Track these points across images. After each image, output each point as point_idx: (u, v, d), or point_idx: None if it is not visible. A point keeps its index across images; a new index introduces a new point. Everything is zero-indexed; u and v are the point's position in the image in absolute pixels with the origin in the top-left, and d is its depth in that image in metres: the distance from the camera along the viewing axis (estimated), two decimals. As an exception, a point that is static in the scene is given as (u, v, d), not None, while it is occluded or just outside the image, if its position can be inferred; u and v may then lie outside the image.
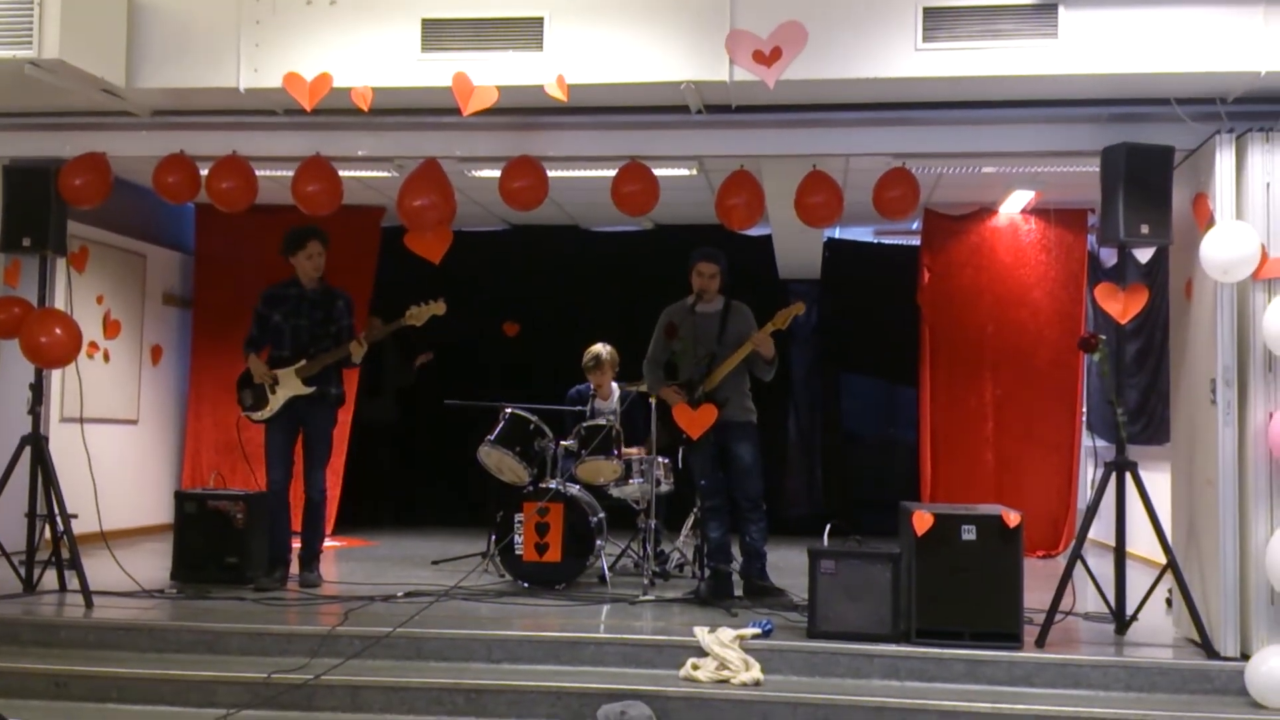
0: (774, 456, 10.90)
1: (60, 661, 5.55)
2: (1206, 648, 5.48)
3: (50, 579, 6.64)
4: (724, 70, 5.67)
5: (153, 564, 7.48)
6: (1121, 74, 5.56)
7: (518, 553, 6.98)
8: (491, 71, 5.72)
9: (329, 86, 5.76)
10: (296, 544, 7.14)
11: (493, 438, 7.31)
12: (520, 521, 6.97)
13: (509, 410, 7.44)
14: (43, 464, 6.52)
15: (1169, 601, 6.36)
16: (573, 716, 5.17)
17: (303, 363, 6.89)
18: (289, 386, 6.90)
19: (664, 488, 7.53)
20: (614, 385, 8.09)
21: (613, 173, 6.39)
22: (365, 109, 5.80)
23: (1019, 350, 9.55)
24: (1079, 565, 5.79)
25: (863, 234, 10.94)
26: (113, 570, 6.77)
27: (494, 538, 7.18)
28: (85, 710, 5.24)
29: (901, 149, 6.27)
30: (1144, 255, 8.07)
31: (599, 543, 7.10)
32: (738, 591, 6.66)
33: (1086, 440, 9.40)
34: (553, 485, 7.12)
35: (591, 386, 8.10)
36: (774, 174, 7.10)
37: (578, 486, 7.32)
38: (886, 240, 10.94)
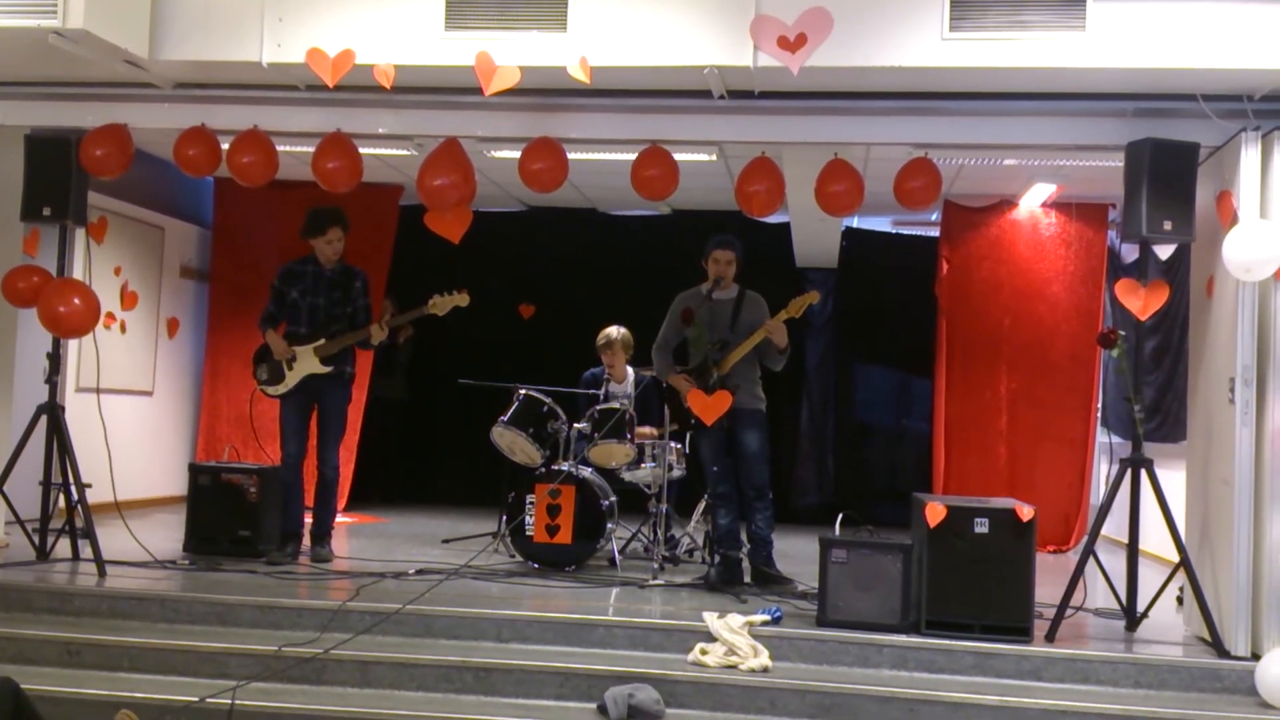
0: (786, 445, 10.92)
1: (72, 630, 5.60)
2: (1217, 646, 5.47)
3: (64, 547, 6.69)
4: (748, 55, 5.64)
5: (165, 535, 7.52)
6: (1148, 68, 5.52)
7: (528, 533, 7.00)
8: (514, 51, 5.70)
9: (351, 63, 5.76)
10: (308, 519, 7.16)
11: (506, 418, 7.32)
12: (532, 502, 6.99)
13: (523, 391, 7.45)
14: (58, 433, 6.56)
15: (1180, 599, 6.35)
16: (581, 698, 5.19)
17: (321, 341, 6.90)
18: (306, 364, 6.92)
19: (676, 473, 7.53)
20: (628, 369, 8.09)
21: (633, 156, 6.38)
22: (387, 86, 5.79)
23: (1036, 344, 9.51)
24: (1090, 561, 5.78)
25: (881, 224, 10.90)
26: (126, 540, 6.80)
27: (505, 518, 7.20)
28: (96, 678, 5.27)
29: (925, 139, 6.23)
30: (1164, 252, 8.02)
31: (610, 526, 7.10)
32: (747, 578, 6.67)
33: (1101, 436, 9.37)
34: (565, 467, 7.13)
35: (605, 370, 8.10)
36: (795, 161, 7.07)
37: (590, 469, 7.33)
38: (905, 230, 10.90)
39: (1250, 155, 5.55)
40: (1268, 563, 5.41)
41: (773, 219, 8.54)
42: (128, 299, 9.34)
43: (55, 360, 6.65)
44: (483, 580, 6.60)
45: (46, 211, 6.54)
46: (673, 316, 6.82)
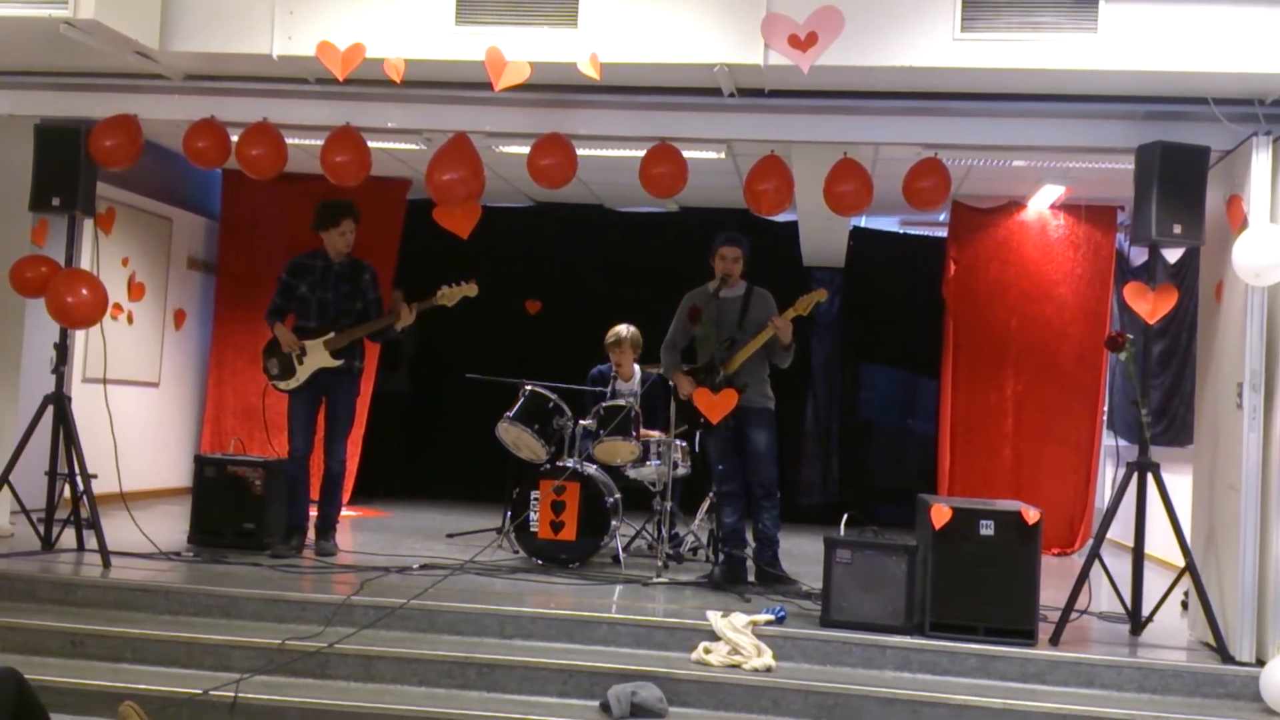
0: (791, 444, 10.90)
1: (76, 620, 5.60)
2: (1222, 652, 5.46)
3: (69, 538, 6.69)
4: (758, 54, 5.63)
5: (170, 526, 7.53)
6: (1159, 71, 5.50)
7: (533, 530, 6.99)
8: (525, 47, 5.71)
9: (362, 56, 5.75)
10: (313, 512, 7.16)
11: (511, 414, 7.31)
12: (536, 499, 6.97)
13: (528, 387, 7.44)
14: (65, 423, 6.57)
15: (1185, 604, 6.33)
16: (584, 695, 5.19)
17: (331, 335, 6.90)
18: (316, 358, 6.91)
19: (681, 471, 7.53)
20: (636, 367, 8.08)
21: (641, 153, 6.37)
22: (397, 80, 5.79)
23: (1043, 346, 9.49)
24: (1096, 564, 5.77)
25: (888, 224, 10.88)
26: (131, 531, 6.81)
27: (509, 514, 7.20)
28: (100, 669, 5.27)
29: (935, 139, 6.22)
30: (1173, 255, 8.01)
31: (614, 523, 7.10)
32: (751, 577, 6.66)
33: (1107, 439, 9.35)
34: (570, 464, 7.13)
35: (613, 367, 8.10)
36: (804, 160, 7.07)
37: (595, 466, 7.33)
38: (913, 231, 10.88)
39: (1261, 160, 5.54)
40: (1273, 568, 5.40)
41: (780, 218, 8.54)
42: (135, 290, 9.35)
43: (62, 350, 6.65)
44: (486, 576, 6.59)
45: (55, 202, 6.55)
46: (680, 315, 6.82)
